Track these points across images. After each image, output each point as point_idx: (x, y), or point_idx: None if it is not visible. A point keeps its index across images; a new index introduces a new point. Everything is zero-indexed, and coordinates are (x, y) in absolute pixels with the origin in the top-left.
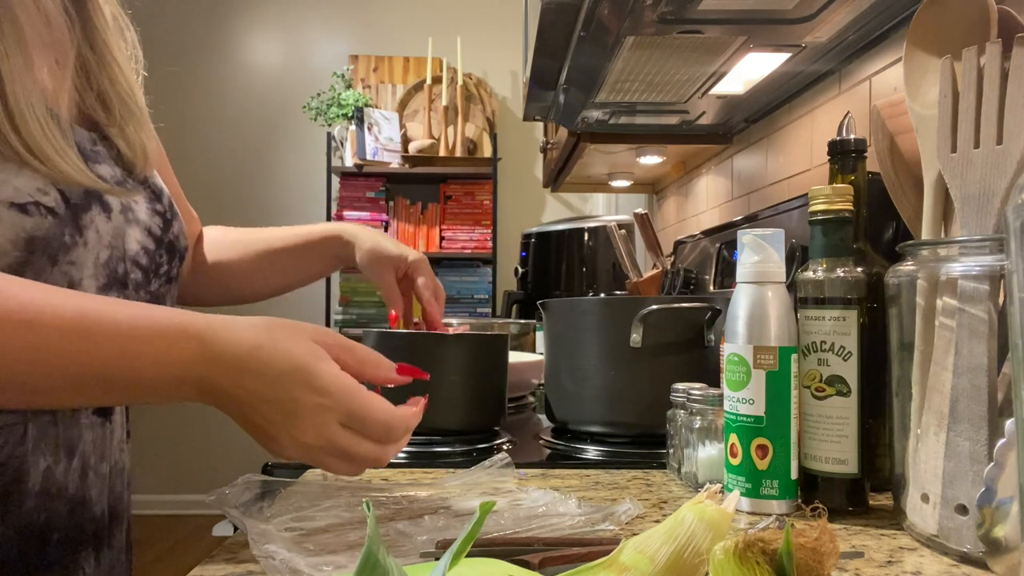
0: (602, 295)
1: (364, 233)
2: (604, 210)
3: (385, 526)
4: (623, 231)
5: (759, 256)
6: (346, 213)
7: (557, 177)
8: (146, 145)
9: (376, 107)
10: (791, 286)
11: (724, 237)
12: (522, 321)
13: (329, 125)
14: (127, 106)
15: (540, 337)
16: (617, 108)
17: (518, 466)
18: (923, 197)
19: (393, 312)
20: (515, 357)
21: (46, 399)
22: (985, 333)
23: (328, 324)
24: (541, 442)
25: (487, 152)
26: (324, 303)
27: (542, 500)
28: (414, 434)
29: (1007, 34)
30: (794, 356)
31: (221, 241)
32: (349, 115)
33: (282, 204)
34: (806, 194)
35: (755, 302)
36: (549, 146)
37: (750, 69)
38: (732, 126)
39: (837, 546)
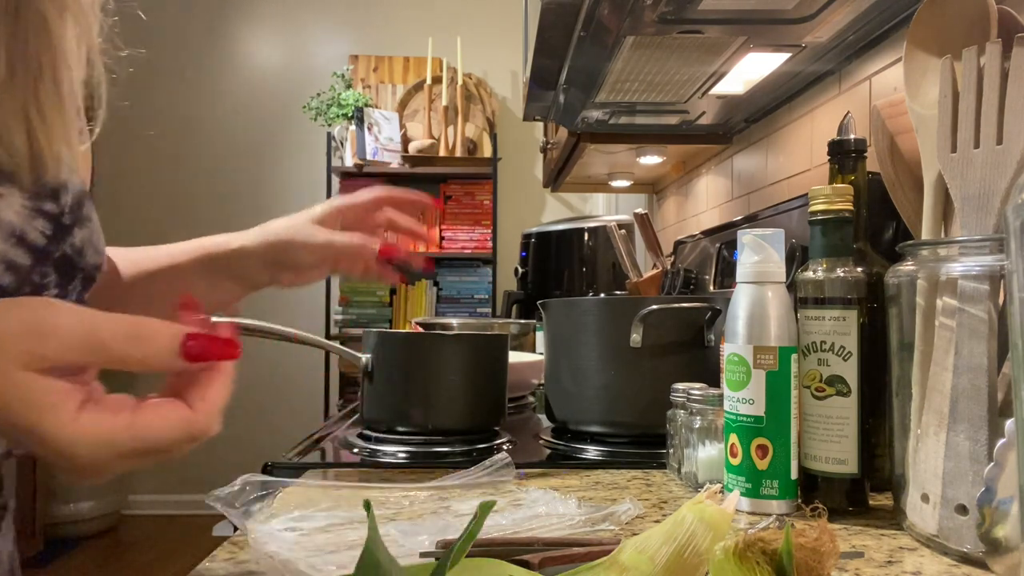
0: (602, 295)
1: (287, 224)
2: (604, 210)
3: (385, 526)
4: (623, 231)
5: (759, 256)
6: None
7: (557, 177)
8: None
9: (376, 107)
10: (791, 286)
11: (724, 237)
12: (522, 321)
13: (329, 125)
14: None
15: (540, 337)
16: (617, 108)
17: (518, 466)
18: (923, 197)
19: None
20: (515, 357)
21: None
22: (985, 333)
23: (328, 324)
24: (541, 442)
25: (487, 152)
26: (324, 303)
27: (542, 500)
28: (414, 434)
29: (1007, 34)
30: (794, 356)
31: (124, 257)
32: (349, 115)
33: (282, 204)
34: (806, 194)
35: (755, 302)
36: (549, 146)
37: (750, 69)
38: (732, 126)
39: (837, 546)
